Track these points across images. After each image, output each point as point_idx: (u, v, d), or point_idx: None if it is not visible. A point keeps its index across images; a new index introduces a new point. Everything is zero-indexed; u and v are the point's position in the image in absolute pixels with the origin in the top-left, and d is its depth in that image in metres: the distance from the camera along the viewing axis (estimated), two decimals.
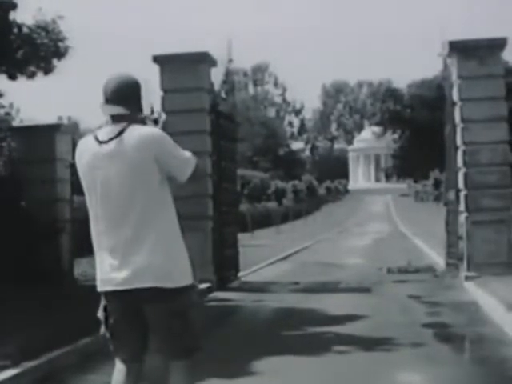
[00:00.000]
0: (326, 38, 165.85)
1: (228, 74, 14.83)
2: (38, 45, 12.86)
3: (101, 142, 3.66)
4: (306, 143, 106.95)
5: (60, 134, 13.42)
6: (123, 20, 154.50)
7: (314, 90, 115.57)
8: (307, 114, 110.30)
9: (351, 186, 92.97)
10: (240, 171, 30.61)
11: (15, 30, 12.74)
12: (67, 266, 13.10)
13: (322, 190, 73.78)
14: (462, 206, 13.05)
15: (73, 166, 3.80)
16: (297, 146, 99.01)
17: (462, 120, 12.88)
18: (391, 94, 77.74)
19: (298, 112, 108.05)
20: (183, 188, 3.91)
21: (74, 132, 24.22)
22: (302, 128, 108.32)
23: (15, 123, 13.66)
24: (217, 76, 14.11)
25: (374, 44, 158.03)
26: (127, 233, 3.62)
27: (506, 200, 12.65)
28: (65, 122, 35.33)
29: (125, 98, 3.71)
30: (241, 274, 14.49)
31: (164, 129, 3.92)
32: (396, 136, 79.34)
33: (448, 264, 13.87)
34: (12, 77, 12.93)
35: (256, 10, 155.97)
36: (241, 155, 42.63)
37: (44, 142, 12.99)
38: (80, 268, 13.32)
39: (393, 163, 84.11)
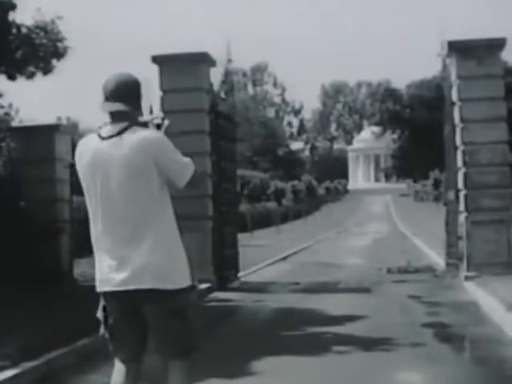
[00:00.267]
0: (325, 38, 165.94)
1: (227, 74, 14.83)
2: (37, 45, 12.86)
3: (103, 138, 3.65)
4: (306, 143, 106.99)
5: (59, 134, 13.41)
6: (122, 20, 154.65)
7: (313, 90, 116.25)
8: (306, 114, 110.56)
9: (351, 186, 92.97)
10: (239, 171, 30.62)
11: (14, 31, 12.74)
12: (66, 266, 13.09)
13: (321, 190, 73.80)
14: (461, 206, 13.05)
15: (72, 166, 3.79)
16: (296, 146, 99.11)
17: (462, 120, 12.88)
18: (390, 94, 77.85)
19: (297, 112, 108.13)
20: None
21: (73, 132, 24.19)
22: (302, 128, 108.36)
23: (14, 123, 13.65)
24: (216, 76, 14.12)
25: (374, 44, 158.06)
26: (126, 233, 3.62)
27: (506, 200, 12.66)
28: (64, 122, 35.30)
29: (124, 96, 3.70)
30: (240, 274, 14.49)
31: (166, 132, 3.89)
32: (395, 136, 79.44)
33: (448, 264, 13.87)
34: (11, 77, 12.93)
35: (255, 10, 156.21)
36: (240, 155, 42.62)
37: (43, 142, 12.97)
38: (79, 268, 13.31)
39: (392, 163, 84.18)
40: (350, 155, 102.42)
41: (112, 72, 3.80)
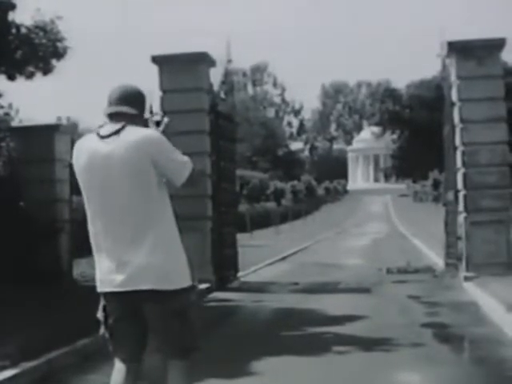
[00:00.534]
0: (325, 38, 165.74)
1: (227, 74, 14.82)
2: (37, 45, 12.87)
3: (102, 137, 3.65)
4: (305, 143, 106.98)
5: (59, 134, 13.41)
6: (122, 20, 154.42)
7: (313, 90, 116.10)
8: (306, 115, 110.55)
9: (350, 186, 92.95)
10: (239, 171, 30.64)
11: (14, 31, 12.74)
12: (66, 266, 13.09)
13: (320, 191, 73.81)
14: (461, 207, 13.05)
15: (72, 167, 3.78)
16: (296, 146, 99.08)
17: (461, 120, 12.88)
18: (390, 94, 77.77)
19: (297, 112, 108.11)
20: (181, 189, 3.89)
21: (72, 132, 24.18)
22: (301, 128, 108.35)
23: (14, 123, 13.67)
24: (216, 76, 14.12)
25: (373, 44, 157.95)
26: (126, 234, 3.62)
27: (505, 200, 12.66)
28: (64, 122, 35.32)
29: (127, 102, 3.72)
30: (240, 274, 14.48)
31: (165, 131, 3.88)
32: (395, 136, 79.36)
33: (447, 264, 13.87)
34: (11, 77, 12.93)
35: (255, 10, 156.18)
36: (240, 155, 42.64)
37: (43, 142, 12.98)
38: (79, 268, 13.31)
39: (392, 163, 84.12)
40: (350, 155, 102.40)
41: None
